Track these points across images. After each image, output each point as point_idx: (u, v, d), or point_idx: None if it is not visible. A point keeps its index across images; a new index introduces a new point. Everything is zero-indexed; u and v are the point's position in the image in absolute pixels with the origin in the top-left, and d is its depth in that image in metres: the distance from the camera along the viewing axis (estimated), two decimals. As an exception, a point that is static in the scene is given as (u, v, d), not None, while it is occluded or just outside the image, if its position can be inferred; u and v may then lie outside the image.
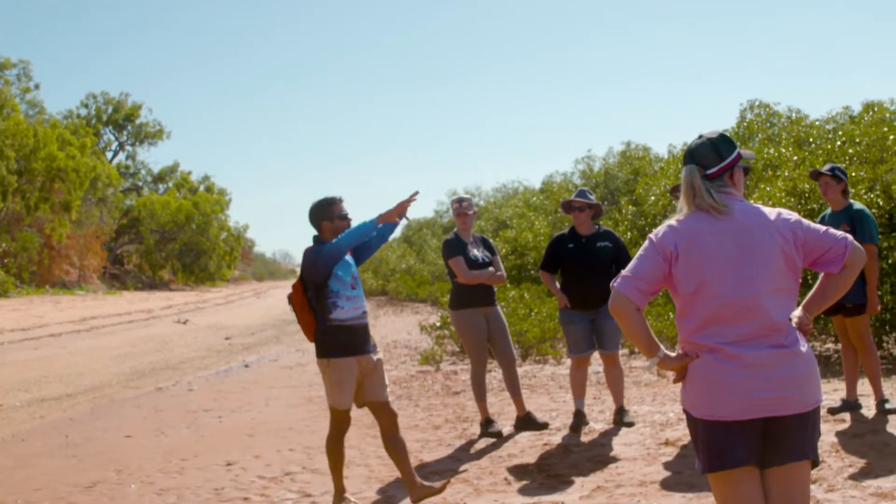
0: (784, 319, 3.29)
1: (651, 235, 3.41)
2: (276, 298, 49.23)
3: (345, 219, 5.79)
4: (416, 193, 6.05)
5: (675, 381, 3.42)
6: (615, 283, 3.34)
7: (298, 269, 6.12)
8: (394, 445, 5.77)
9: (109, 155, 65.86)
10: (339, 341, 5.66)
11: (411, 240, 51.47)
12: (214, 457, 7.74)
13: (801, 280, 3.42)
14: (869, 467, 5.75)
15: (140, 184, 70.81)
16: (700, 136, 3.48)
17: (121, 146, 68.20)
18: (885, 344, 10.49)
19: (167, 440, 8.70)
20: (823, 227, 3.40)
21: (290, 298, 5.83)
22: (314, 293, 5.71)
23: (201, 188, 70.04)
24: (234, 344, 20.44)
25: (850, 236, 3.40)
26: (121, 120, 66.63)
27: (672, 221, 3.41)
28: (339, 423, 5.81)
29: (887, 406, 7.14)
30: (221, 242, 66.15)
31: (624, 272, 3.36)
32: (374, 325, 24.33)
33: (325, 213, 5.80)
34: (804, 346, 3.33)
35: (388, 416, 5.81)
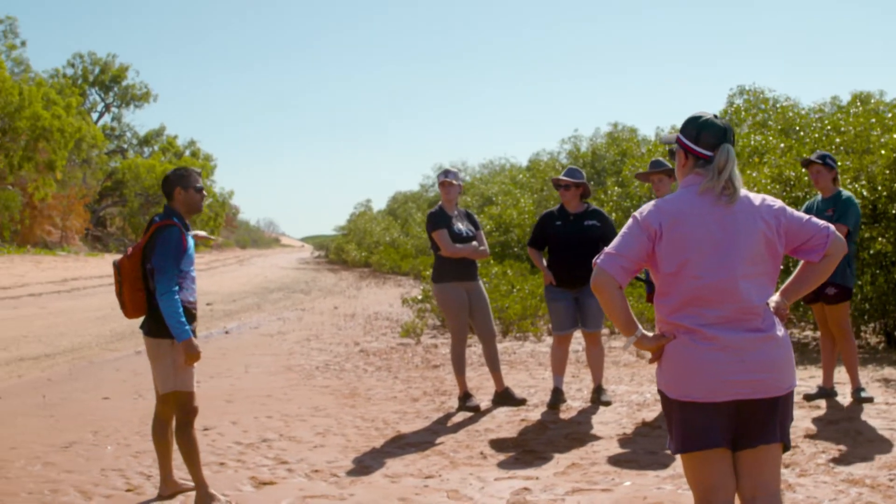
0: (762, 303, 3.29)
1: (636, 214, 3.39)
2: (258, 266, 49.18)
3: (199, 191, 5.42)
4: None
5: (651, 361, 3.42)
6: (598, 260, 3.34)
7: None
8: (175, 437, 5.43)
9: (95, 116, 65.50)
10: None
11: (396, 213, 51.39)
12: (192, 421, 7.73)
13: (781, 267, 3.43)
14: (842, 454, 5.80)
15: (125, 146, 70.43)
16: (716, 117, 3.42)
17: (107, 108, 67.80)
18: (863, 334, 10.58)
19: (145, 403, 8.67)
20: (806, 216, 3.40)
21: (121, 265, 5.29)
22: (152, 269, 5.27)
23: (187, 153, 69.62)
24: (214, 310, 20.39)
25: (832, 226, 3.41)
26: (107, 81, 66.21)
27: (657, 201, 3.40)
28: (187, 409, 5.37)
29: (862, 395, 7.20)
30: (206, 208, 65.82)
31: (607, 249, 3.36)
32: (357, 296, 24.36)
33: (183, 181, 5.38)
34: (780, 331, 3.33)
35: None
